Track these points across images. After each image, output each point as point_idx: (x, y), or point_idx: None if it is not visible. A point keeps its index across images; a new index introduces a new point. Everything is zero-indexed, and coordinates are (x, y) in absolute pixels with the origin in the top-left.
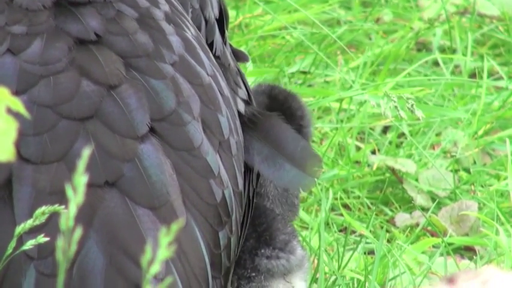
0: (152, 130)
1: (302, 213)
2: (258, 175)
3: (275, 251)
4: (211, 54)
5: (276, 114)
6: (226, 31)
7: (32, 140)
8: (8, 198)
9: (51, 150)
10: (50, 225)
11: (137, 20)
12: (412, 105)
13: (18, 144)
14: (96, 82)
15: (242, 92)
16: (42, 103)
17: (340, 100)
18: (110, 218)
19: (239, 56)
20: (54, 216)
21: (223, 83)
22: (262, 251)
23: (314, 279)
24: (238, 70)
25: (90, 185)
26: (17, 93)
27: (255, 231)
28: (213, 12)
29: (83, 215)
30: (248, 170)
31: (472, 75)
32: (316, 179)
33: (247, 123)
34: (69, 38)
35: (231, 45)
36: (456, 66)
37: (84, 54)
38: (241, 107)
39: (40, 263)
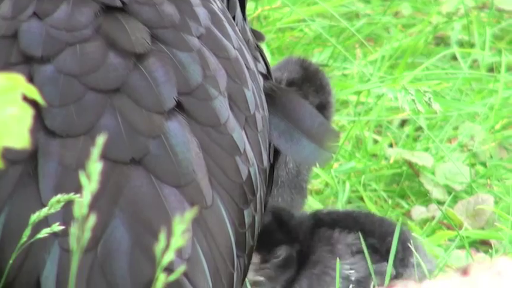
0: (179, 105)
1: (318, 205)
2: (275, 150)
3: None
4: (236, 28)
5: (293, 89)
6: (245, 8)
7: (57, 111)
8: (33, 173)
9: (77, 122)
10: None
11: None
12: (429, 99)
13: (44, 116)
14: (123, 51)
15: (261, 66)
16: (69, 72)
17: (358, 93)
18: (136, 197)
19: (255, 36)
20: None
21: (249, 57)
22: None
23: None
24: (257, 45)
25: (116, 162)
26: (42, 59)
27: None
28: None
29: (108, 194)
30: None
31: (490, 69)
32: (333, 154)
33: (266, 97)
34: (95, 4)
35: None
36: (474, 61)
37: (110, 22)
38: (260, 81)
39: (64, 240)
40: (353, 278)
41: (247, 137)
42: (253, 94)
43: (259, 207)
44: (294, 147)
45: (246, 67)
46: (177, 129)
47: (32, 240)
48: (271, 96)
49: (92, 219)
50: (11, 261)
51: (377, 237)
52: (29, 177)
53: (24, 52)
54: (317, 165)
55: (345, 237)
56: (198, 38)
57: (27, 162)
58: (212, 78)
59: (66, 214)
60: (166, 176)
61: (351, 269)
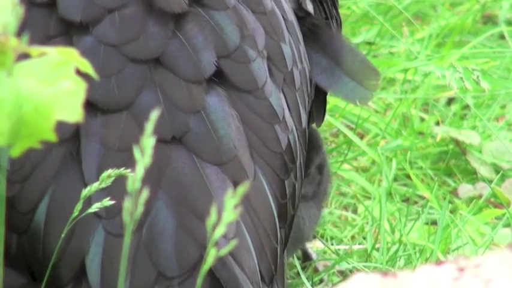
0: (217, 69)
1: (365, 183)
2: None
3: None
4: None
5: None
6: None
7: (99, 83)
8: (75, 154)
9: (118, 96)
10: (119, 185)
11: None
12: (477, 77)
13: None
14: (161, 12)
15: None
16: (109, 42)
17: (405, 71)
18: (178, 178)
19: None
20: (122, 177)
21: (285, 4)
22: None
23: (375, 248)
24: None
25: (157, 141)
26: (81, 25)
27: None
28: None
29: (151, 176)
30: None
31: None
32: (373, 93)
33: (308, 34)
34: None
35: None
36: None
37: None
38: (310, 7)
39: (108, 223)
40: None
41: (285, 98)
42: (291, 48)
43: (299, 175)
44: (335, 84)
45: (283, 18)
46: (217, 103)
47: (82, 215)
48: (314, 32)
49: (145, 194)
50: (62, 235)
51: None
52: (72, 159)
53: (63, 17)
54: (357, 103)
55: None
56: None
57: (70, 143)
58: (250, 38)
59: (110, 195)
60: (207, 154)
61: None
